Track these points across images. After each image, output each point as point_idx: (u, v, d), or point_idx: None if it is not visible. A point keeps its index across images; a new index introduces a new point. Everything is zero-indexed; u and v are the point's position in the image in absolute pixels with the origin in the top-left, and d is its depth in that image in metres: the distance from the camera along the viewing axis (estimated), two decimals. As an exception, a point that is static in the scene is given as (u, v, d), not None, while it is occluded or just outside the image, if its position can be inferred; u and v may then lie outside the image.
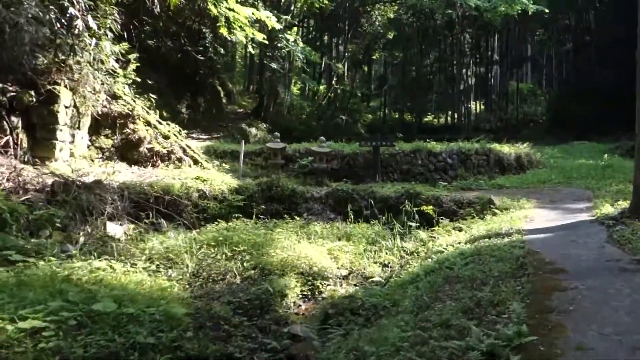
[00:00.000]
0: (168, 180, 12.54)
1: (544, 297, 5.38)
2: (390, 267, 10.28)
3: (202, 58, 22.61)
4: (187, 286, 7.62)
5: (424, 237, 10.90)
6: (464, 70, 50.59)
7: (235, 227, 11.19)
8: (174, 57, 21.54)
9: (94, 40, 12.06)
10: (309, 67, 45.66)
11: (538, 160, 19.42)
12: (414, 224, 12.04)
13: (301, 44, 20.55)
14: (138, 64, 14.89)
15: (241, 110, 28.70)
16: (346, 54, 46.86)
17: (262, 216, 12.46)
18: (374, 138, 16.85)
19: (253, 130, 25.07)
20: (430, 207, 11.80)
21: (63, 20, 11.80)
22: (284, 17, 19.60)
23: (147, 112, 15.72)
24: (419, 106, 52.14)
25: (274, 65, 22.03)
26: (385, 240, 11.32)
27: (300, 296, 8.39)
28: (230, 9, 16.87)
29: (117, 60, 13.83)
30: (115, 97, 14.26)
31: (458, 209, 13.34)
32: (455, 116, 49.88)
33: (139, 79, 15.77)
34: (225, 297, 7.34)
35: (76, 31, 11.57)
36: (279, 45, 20.20)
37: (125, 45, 13.71)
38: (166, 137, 14.43)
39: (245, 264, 8.58)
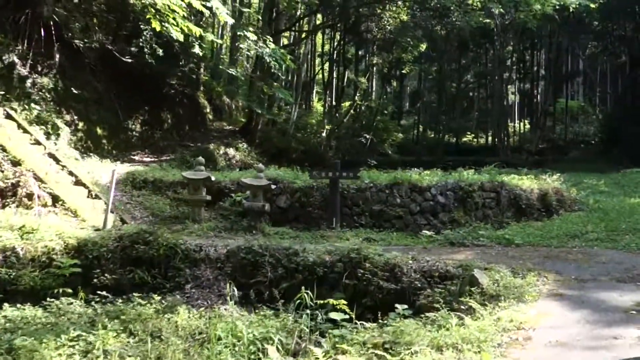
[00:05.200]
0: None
1: None
2: None
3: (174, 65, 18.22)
4: None
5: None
6: (507, 87, 44.47)
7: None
8: (124, 63, 17.08)
9: None
10: (344, 82, 40.85)
11: (573, 199, 13.54)
12: (338, 317, 6.90)
13: (272, 46, 15.71)
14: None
15: (230, 127, 24.04)
16: (374, 68, 41.68)
17: (107, 293, 7.61)
18: (332, 167, 11.64)
19: (230, 152, 20.25)
20: (342, 301, 6.54)
21: None
22: (245, 10, 14.88)
23: (23, 129, 11.21)
24: (457, 125, 46.29)
25: (231, 71, 17.30)
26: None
27: None
28: (156, -6, 12.27)
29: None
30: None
31: (424, 287, 8.03)
32: (497, 136, 43.62)
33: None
34: None
35: None
36: (241, 46, 15.51)
37: None
38: (16, 164, 9.78)
39: None
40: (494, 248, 10.01)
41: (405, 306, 7.55)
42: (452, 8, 22.42)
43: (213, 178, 11.86)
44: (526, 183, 12.93)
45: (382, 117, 42.05)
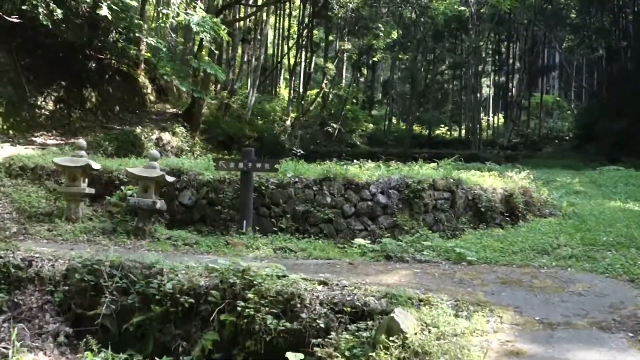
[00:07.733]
0: None
1: None
2: None
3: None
4: None
5: None
6: (481, 79, 42.24)
7: None
8: (38, 31, 14.28)
9: None
10: (317, 69, 38.03)
11: (543, 202, 11.12)
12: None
13: (202, 14, 13.01)
14: None
15: (174, 110, 21.26)
16: (344, 54, 39.01)
17: None
18: (244, 156, 9.05)
19: (166, 137, 17.52)
20: None
21: None
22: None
23: None
24: (430, 117, 44.06)
25: (150, 41, 14.55)
26: None
27: None
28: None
29: None
30: None
31: (331, 327, 5.53)
32: (470, 129, 41.37)
33: None
34: None
35: None
36: (164, 12, 12.85)
37: None
38: None
39: None
40: (440, 266, 7.55)
41: (301, 356, 5.18)
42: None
43: (97, 166, 9.18)
44: (488, 181, 10.45)
45: (352, 106, 39.54)
